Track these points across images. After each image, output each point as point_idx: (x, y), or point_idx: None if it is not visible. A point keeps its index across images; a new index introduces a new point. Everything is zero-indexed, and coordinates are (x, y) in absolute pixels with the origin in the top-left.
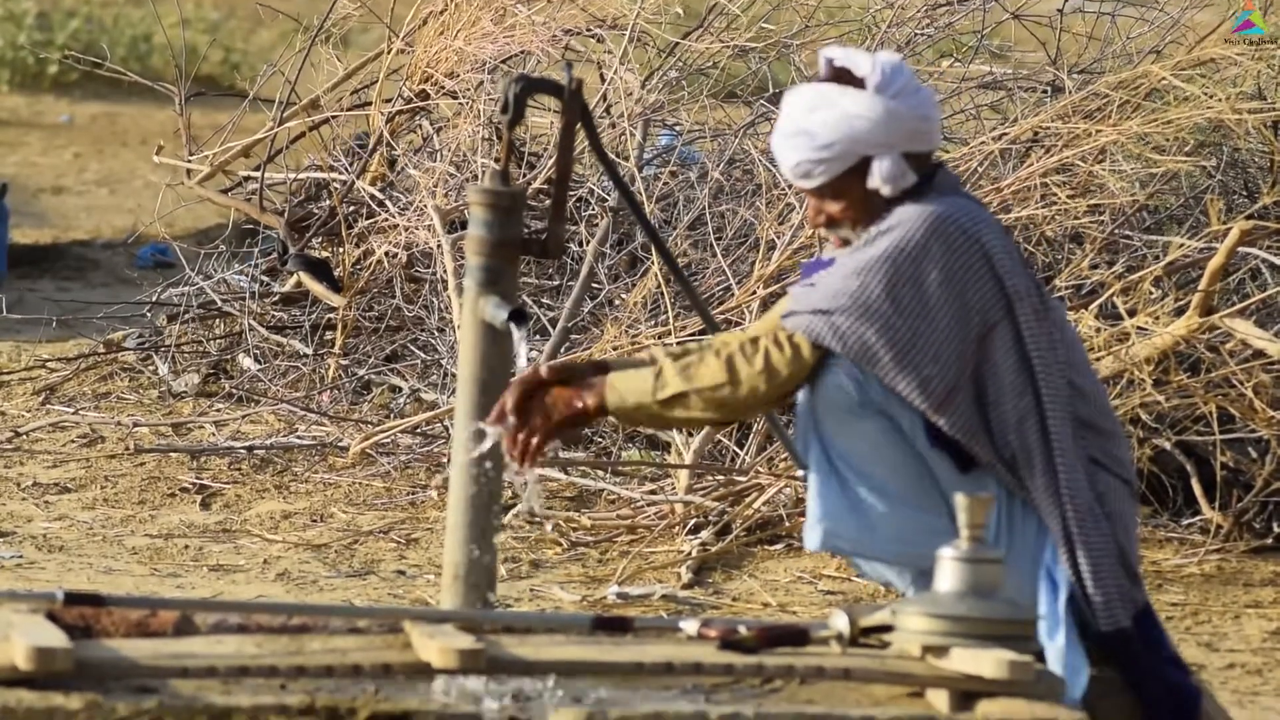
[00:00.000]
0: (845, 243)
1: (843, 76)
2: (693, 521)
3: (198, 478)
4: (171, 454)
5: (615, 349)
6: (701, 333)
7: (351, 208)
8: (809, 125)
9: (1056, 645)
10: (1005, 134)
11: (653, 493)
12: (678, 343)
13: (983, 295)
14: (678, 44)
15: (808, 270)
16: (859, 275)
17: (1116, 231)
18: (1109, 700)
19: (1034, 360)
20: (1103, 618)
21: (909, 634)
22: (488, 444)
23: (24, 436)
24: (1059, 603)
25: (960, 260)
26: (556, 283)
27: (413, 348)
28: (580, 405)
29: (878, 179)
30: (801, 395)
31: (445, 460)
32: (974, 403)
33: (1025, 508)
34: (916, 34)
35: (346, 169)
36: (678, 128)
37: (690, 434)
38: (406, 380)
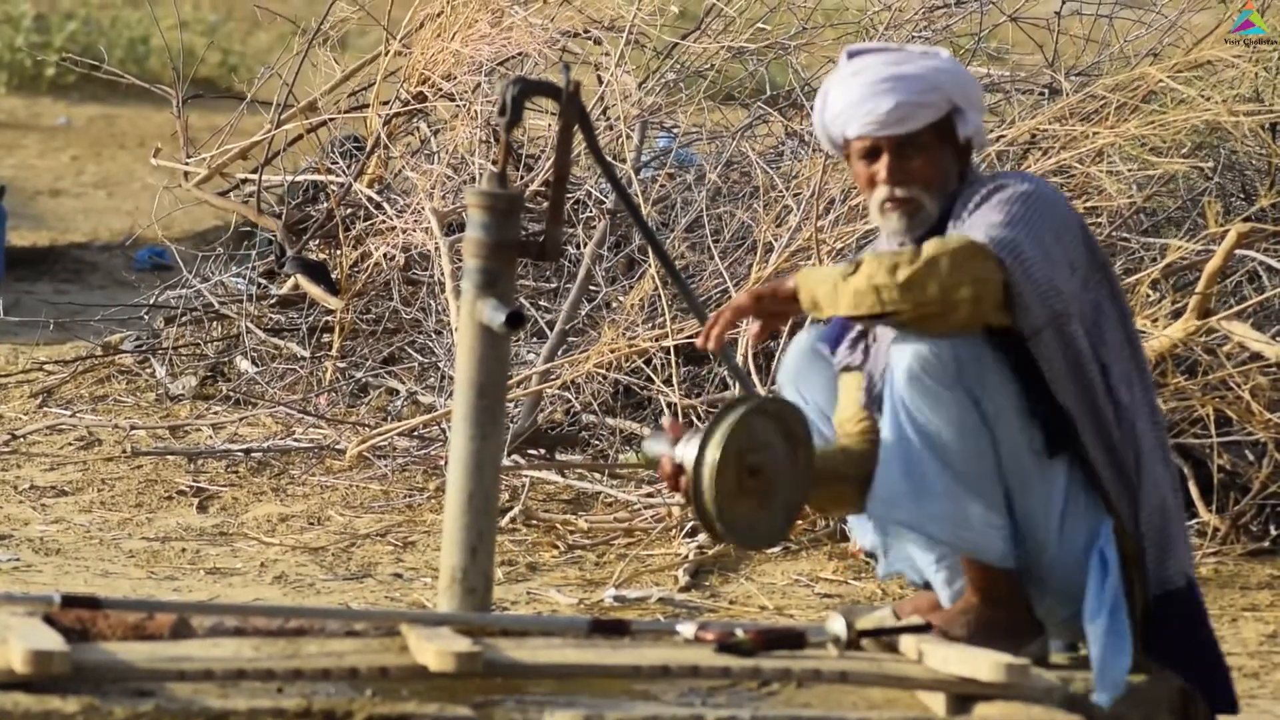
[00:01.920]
0: (908, 214)
1: None
2: (690, 524)
3: (195, 480)
4: (169, 457)
5: (612, 351)
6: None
7: (349, 210)
8: (904, 72)
9: (1099, 626)
10: (1003, 136)
11: (650, 495)
12: (675, 347)
13: (1078, 249)
14: (675, 46)
15: (828, 335)
16: (996, 208)
17: (1114, 233)
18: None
19: (1129, 320)
20: (1174, 572)
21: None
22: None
23: (21, 439)
24: (1108, 583)
25: (1061, 219)
26: (554, 285)
27: (410, 350)
28: (773, 286)
29: (971, 128)
30: (894, 359)
31: (443, 463)
32: (1065, 353)
33: (1087, 493)
34: (914, 36)
35: (344, 171)
36: (675, 130)
37: None
38: (404, 383)
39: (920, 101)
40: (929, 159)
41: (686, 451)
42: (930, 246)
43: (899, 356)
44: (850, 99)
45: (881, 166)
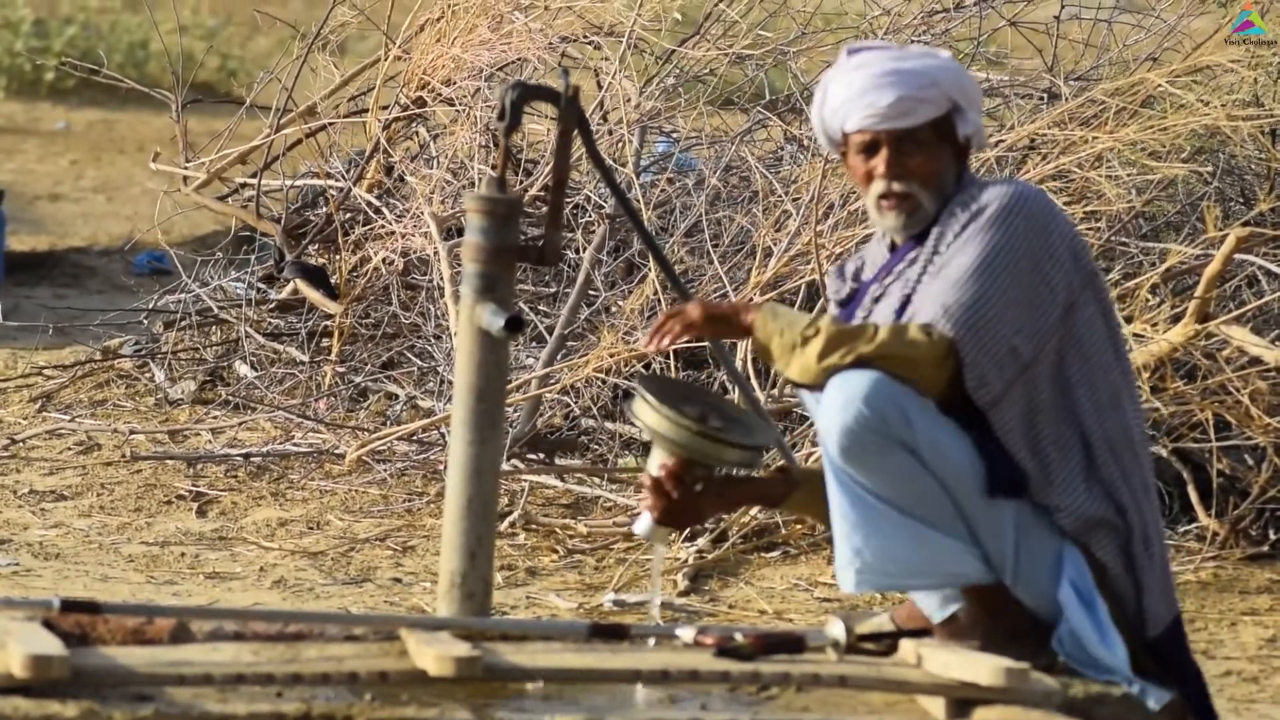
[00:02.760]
0: (905, 212)
1: None
2: (689, 528)
3: (194, 485)
4: (168, 461)
5: (611, 356)
6: (697, 340)
7: (348, 215)
8: (906, 67)
9: (1120, 656)
10: (1002, 141)
11: None
12: (674, 351)
13: (1064, 272)
14: (675, 51)
15: (864, 289)
16: (976, 239)
17: (1113, 238)
18: (1106, 708)
19: (1118, 335)
20: (1163, 611)
21: None
22: (644, 530)
23: (20, 444)
24: (1101, 613)
25: (1046, 240)
26: (553, 290)
27: (409, 355)
28: (733, 310)
29: (971, 128)
30: (821, 435)
31: (442, 467)
32: (1053, 379)
33: (1040, 521)
34: (913, 40)
35: (343, 175)
36: (675, 135)
37: None
38: (403, 387)
39: (921, 96)
40: (928, 156)
41: (649, 462)
42: (886, 340)
43: (824, 435)
44: (851, 92)
45: (880, 160)
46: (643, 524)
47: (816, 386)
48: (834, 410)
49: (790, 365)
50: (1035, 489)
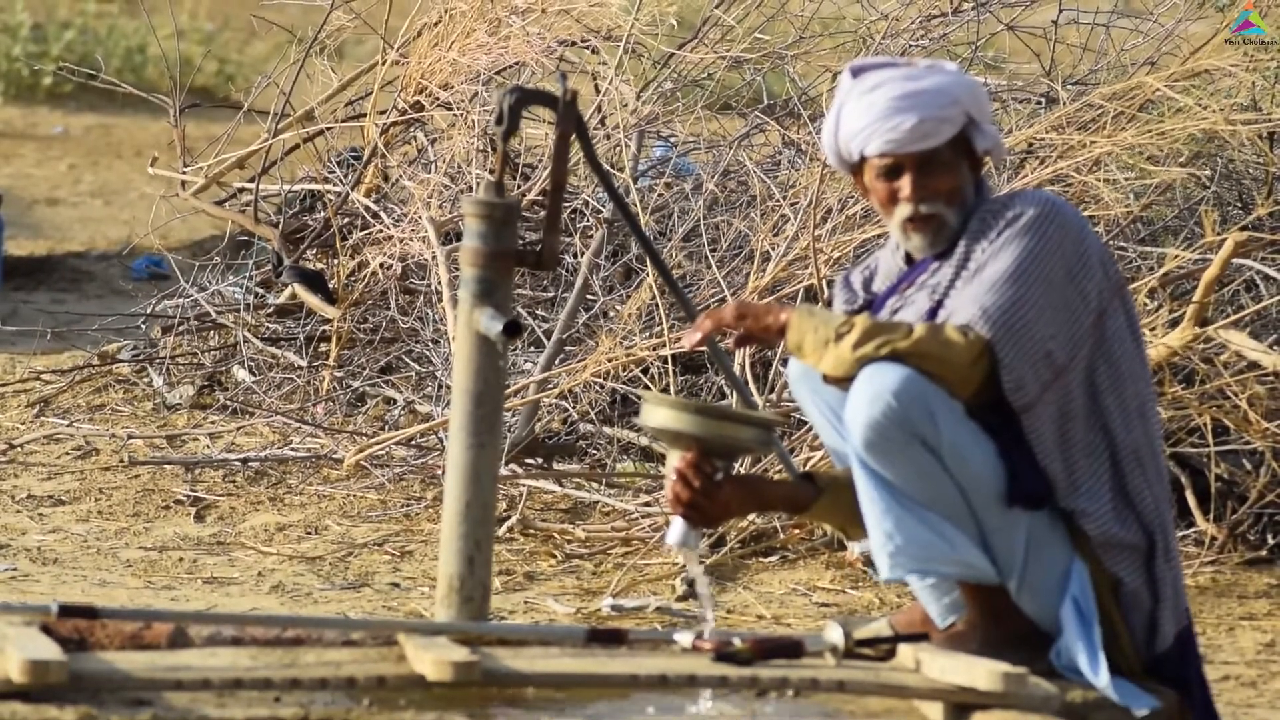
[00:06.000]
0: (932, 232)
1: None
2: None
3: (192, 490)
4: (166, 466)
5: (610, 360)
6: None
7: (346, 219)
8: (922, 88)
9: (1103, 680)
10: None
11: (647, 505)
12: (672, 356)
13: (1095, 280)
14: (672, 55)
15: (882, 301)
16: (1011, 244)
17: (1111, 242)
18: (1104, 713)
19: (1142, 346)
20: (1174, 620)
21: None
22: (676, 537)
23: (18, 449)
24: (1095, 635)
25: (1078, 249)
26: (551, 294)
27: (407, 359)
28: (767, 309)
29: (990, 142)
30: (848, 428)
31: (440, 472)
32: (1084, 387)
33: (1054, 532)
34: (911, 45)
35: (341, 180)
36: (672, 139)
37: None
38: (401, 392)
39: (942, 117)
40: (950, 174)
41: (667, 465)
42: (923, 337)
43: (849, 425)
44: (871, 116)
45: (905, 184)
46: (674, 531)
47: (848, 381)
48: (862, 402)
49: (823, 359)
50: (1061, 494)
